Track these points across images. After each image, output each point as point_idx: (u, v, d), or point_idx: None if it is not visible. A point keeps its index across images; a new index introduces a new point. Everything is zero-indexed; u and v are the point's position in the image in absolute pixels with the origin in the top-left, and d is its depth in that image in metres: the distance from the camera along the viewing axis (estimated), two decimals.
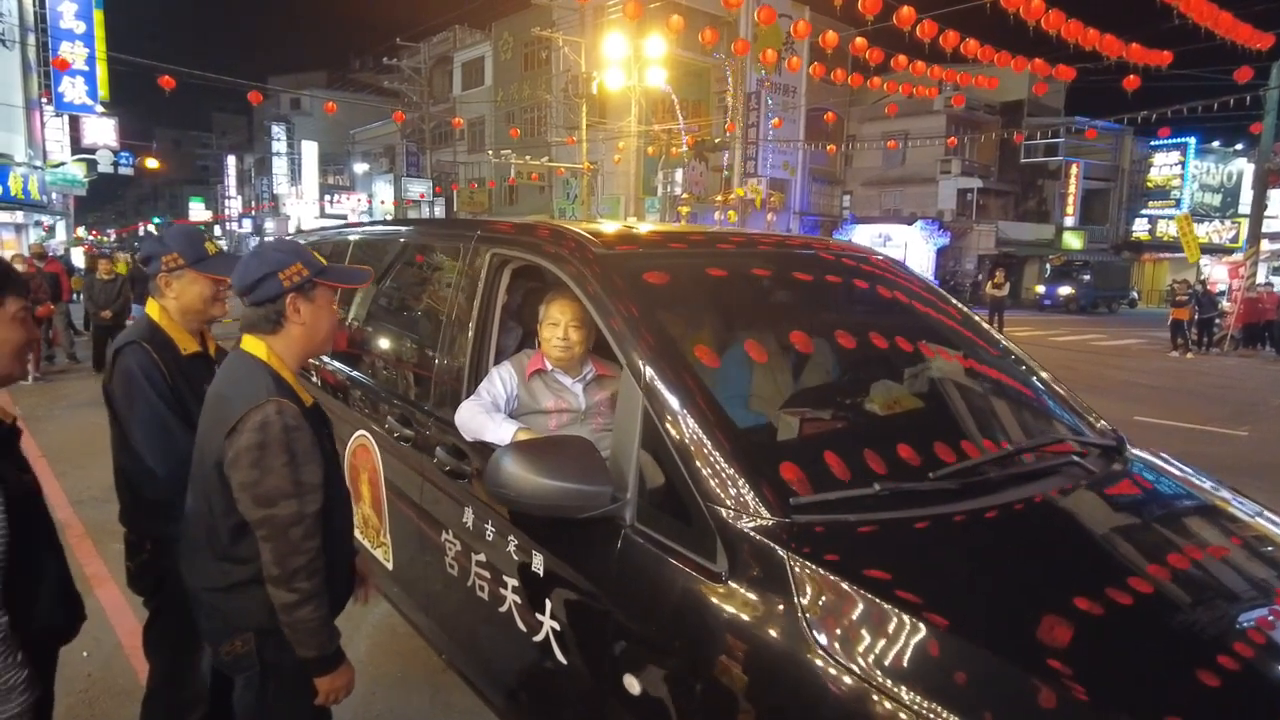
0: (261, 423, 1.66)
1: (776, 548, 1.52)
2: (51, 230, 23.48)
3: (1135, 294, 36.42)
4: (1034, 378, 2.50)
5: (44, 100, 21.45)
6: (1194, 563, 1.73)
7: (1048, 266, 35.07)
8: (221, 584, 1.79)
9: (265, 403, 1.68)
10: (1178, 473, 2.21)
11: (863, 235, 32.06)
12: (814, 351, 2.29)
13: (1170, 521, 1.96)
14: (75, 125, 22.81)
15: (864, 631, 1.39)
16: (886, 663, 1.33)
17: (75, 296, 13.40)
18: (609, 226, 2.55)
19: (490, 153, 31.16)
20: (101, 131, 23.18)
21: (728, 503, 1.61)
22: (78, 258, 22.04)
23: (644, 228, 2.73)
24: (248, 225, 58.67)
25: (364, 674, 2.66)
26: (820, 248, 2.76)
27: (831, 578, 1.46)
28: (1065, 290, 31.69)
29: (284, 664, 1.78)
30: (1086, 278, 32.00)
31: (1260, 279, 21.63)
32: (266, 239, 42.47)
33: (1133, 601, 1.53)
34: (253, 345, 1.80)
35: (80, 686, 3.13)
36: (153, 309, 2.23)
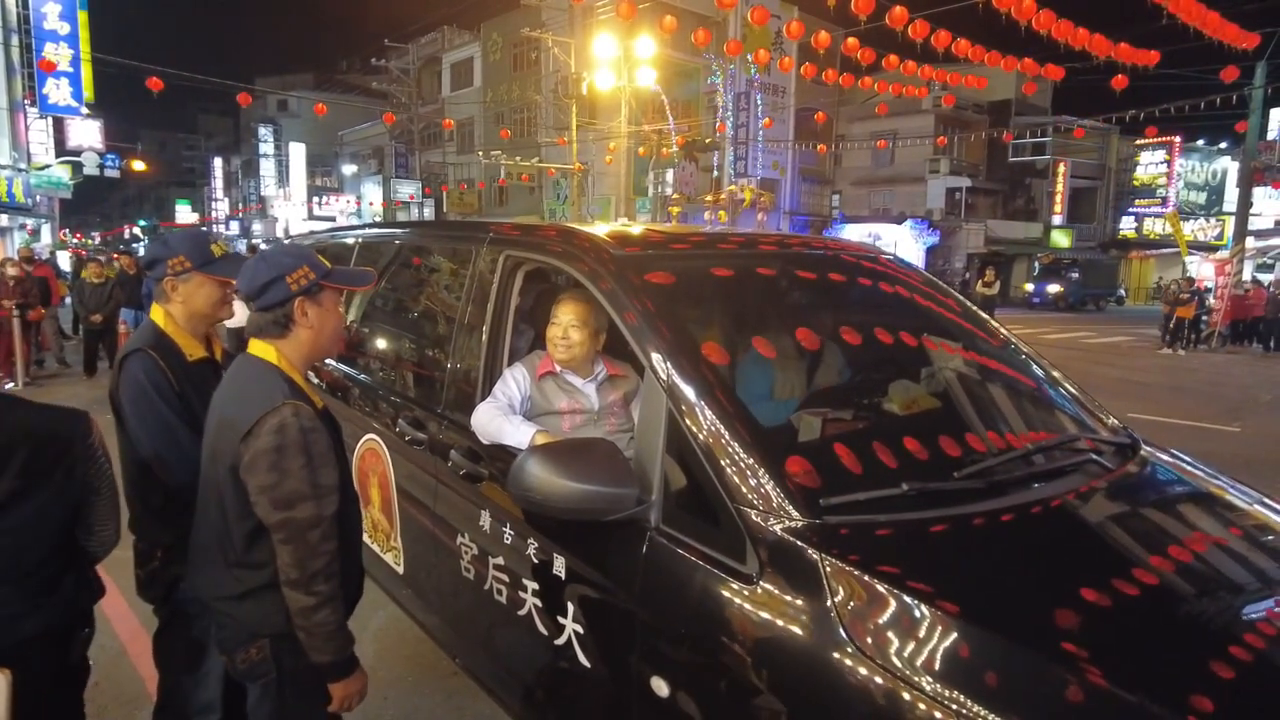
0: (279, 425, 1.65)
1: (808, 549, 1.52)
2: (36, 233, 23.23)
3: (1123, 291, 36.73)
4: (1048, 377, 2.52)
5: (28, 102, 21.20)
6: (1225, 556, 1.75)
7: (1036, 265, 35.33)
8: (235, 591, 1.77)
9: (281, 405, 1.68)
10: (1193, 469, 2.23)
11: (852, 235, 32.13)
12: (832, 352, 2.29)
13: (1197, 516, 1.98)
14: (60, 127, 22.55)
15: (898, 632, 1.39)
16: (921, 662, 1.33)
17: (64, 300, 13.27)
18: (625, 228, 2.55)
19: (480, 154, 31.03)
20: (86, 133, 22.94)
21: (757, 504, 1.61)
22: (64, 261, 21.83)
23: (659, 229, 2.72)
24: (235, 228, 58.24)
25: (375, 678, 2.63)
26: (835, 246, 2.76)
27: (865, 578, 1.46)
28: (1054, 288, 31.94)
29: (300, 670, 1.78)
30: (1075, 276, 32.26)
31: (1246, 276, 21.88)
32: (255, 241, 42.29)
33: (1167, 598, 1.54)
34: (261, 349, 1.80)
35: (87, 696, 3.07)
36: (157, 314, 2.19)
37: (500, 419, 2.25)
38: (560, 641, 1.96)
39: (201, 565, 1.86)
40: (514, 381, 2.39)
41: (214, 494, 1.77)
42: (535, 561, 2.05)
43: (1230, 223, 25.63)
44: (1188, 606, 1.60)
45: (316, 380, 3.43)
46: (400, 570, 2.88)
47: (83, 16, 20.58)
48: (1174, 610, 1.58)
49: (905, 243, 32.19)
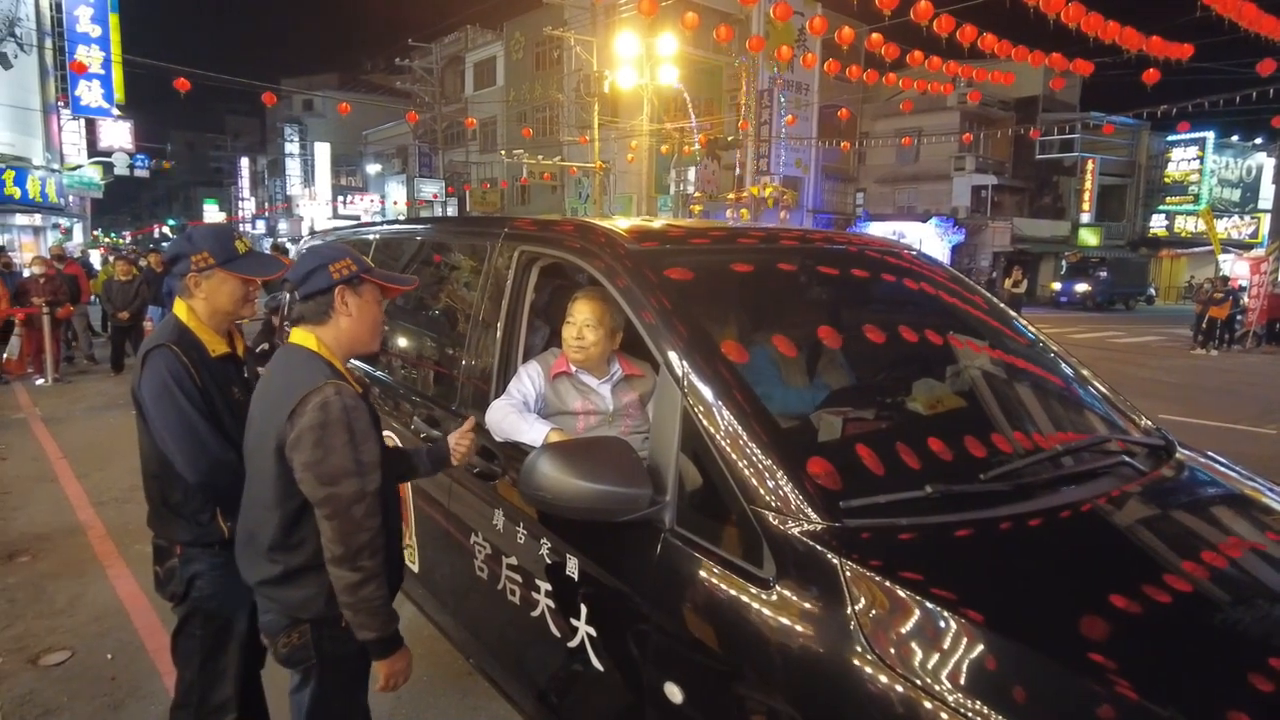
0: (322, 403, 1.70)
1: (827, 553, 1.46)
2: (69, 232, 23.65)
3: (1153, 290, 36.07)
4: (1077, 376, 2.44)
5: (61, 104, 21.60)
6: (1265, 564, 1.67)
7: (1064, 263, 34.81)
8: (276, 575, 1.82)
9: (324, 385, 1.73)
10: (1231, 473, 2.14)
11: (877, 232, 31.80)
12: (854, 350, 2.23)
13: (1237, 522, 1.89)
14: (91, 128, 22.97)
15: (921, 641, 1.33)
16: (945, 673, 1.28)
17: (94, 298, 13.49)
18: (643, 222, 2.50)
19: (502, 152, 31.17)
20: (117, 134, 23.35)
21: (775, 506, 1.55)
22: (96, 260, 22.21)
23: (678, 224, 2.67)
24: (261, 226, 58.97)
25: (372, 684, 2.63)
26: (858, 242, 2.69)
27: (886, 584, 1.40)
28: (1082, 287, 31.44)
29: (340, 654, 1.83)
30: (1103, 274, 31.74)
31: None
32: (280, 240, 42.81)
33: (1204, 608, 1.47)
34: (302, 337, 1.86)
35: (104, 690, 3.11)
36: (180, 309, 2.17)
37: (514, 416, 2.22)
38: (573, 644, 1.92)
39: (246, 550, 1.90)
40: (528, 379, 2.36)
41: (259, 478, 1.81)
42: (548, 562, 2.02)
43: (1266, 220, 25.06)
44: (1225, 616, 1.53)
45: None
46: (415, 569, 2.86)
47: (114, 19, 20.94)
48: (1211, 620, 1.50)
49: (930, 241, 31.85)
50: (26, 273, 10.92)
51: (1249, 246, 30.80)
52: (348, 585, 1.71)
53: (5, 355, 10.20)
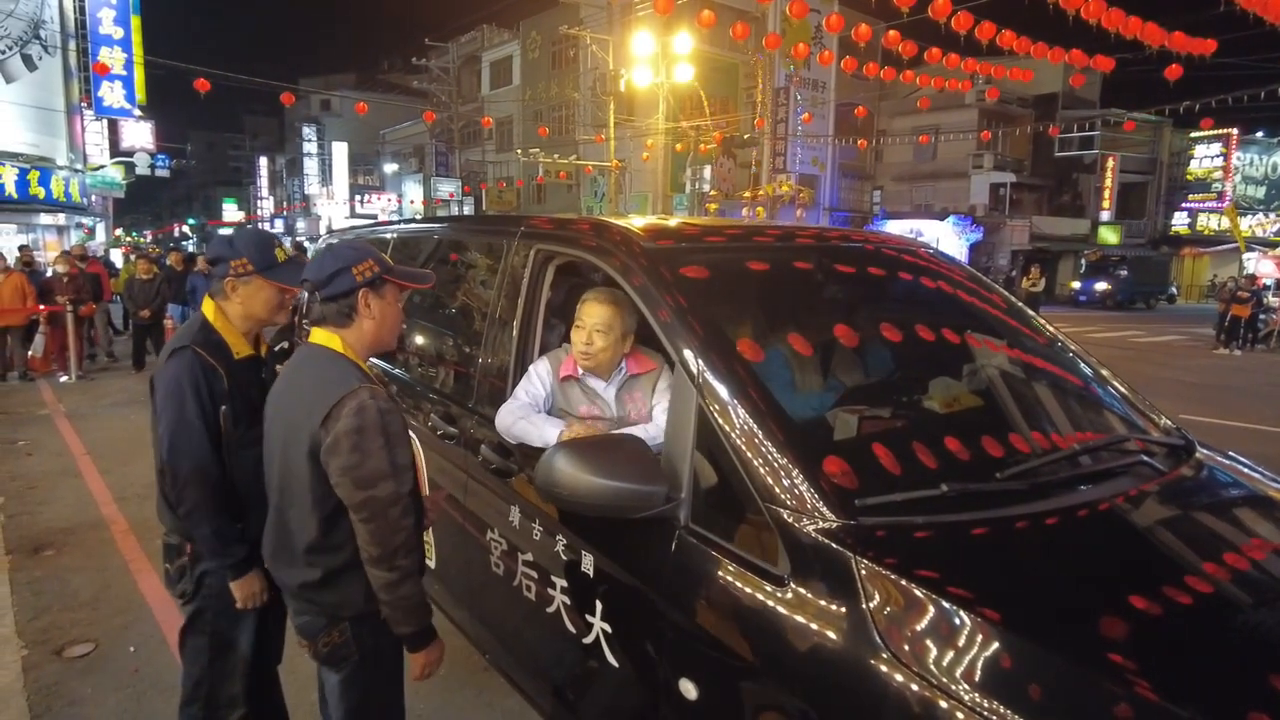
0: (358, 407, 1.69)
1: (842, 550, 1.47)
2: (92, 232, 23.94)
3: (1174, 289, 35.64)
4: (1095, 375, 2.42)
5: (84, 105, 21.87)
6: None
7: (1083, 262, 34.48)
8: (316, 578, 1.81)
9: (359, 388, 1.72)
10: (1253, 474, 2.12)
11: (894, 231, 31.53)
12: (870, 349, 2.22)
13: (1258, 522, 1.88)
14: (114, 129, 23.24)
15: (936, 639, 1.33)
16: (960, 672, 1.28)
17: (116, 297, 13.67)
18: (659, 220, 2.50)
19: (519, 151, 31.28)
20: (139, 135, 23.61)
21: (790, 504, 1.56)
22: (117, 259, 22.49)
23: (693, 222, 2.67)
24: (280, 225, 59.45)
25: (405, 673, 2.65)
26: (874, 241, 2.68)
27: (902, 582, 1.40)
28: (1101, 286, 31.16)
29: (380, 646, 1.85)
30: (1123, 273, 31.45)
31: None
32: (299, 239, 43.16)
33: (1223, 609, 1.45)
34: (325, 338, 1.84)
35: (127, 682, 3.16)
36: (209, 309, 2.18)
37: (523, 423, 2.22)
38: (589, 640, 1.93)
39: (281, 555, 1.89)
40: (538, 379, 2.35)
41: (290, 483, 1.80)
42: (564, 558, 2.03)
43: None
44: (1245, 617, 1.51)
45: None
46: (431, 565, 2.88)
47: (136, 21, 21.15)
48: (1230, 621, 1.49)
49: (948, 239, 31.61)
50: (50, 272, 11.09)
51: (1274, 244, 30.35)
52: (386, 584, 1.73)
53: (30, 353, 10.35)
